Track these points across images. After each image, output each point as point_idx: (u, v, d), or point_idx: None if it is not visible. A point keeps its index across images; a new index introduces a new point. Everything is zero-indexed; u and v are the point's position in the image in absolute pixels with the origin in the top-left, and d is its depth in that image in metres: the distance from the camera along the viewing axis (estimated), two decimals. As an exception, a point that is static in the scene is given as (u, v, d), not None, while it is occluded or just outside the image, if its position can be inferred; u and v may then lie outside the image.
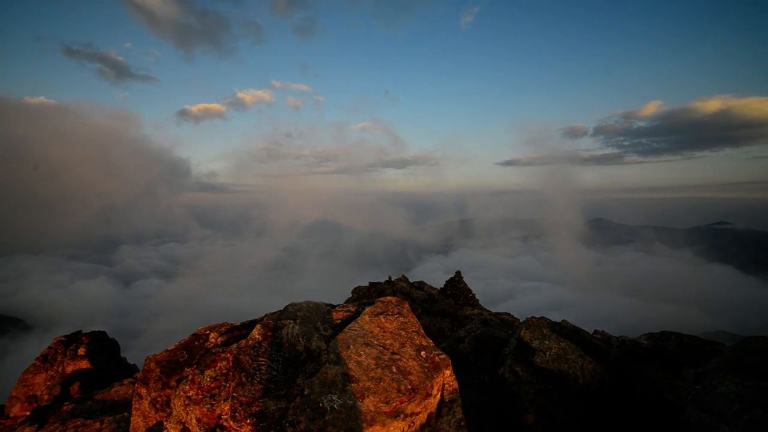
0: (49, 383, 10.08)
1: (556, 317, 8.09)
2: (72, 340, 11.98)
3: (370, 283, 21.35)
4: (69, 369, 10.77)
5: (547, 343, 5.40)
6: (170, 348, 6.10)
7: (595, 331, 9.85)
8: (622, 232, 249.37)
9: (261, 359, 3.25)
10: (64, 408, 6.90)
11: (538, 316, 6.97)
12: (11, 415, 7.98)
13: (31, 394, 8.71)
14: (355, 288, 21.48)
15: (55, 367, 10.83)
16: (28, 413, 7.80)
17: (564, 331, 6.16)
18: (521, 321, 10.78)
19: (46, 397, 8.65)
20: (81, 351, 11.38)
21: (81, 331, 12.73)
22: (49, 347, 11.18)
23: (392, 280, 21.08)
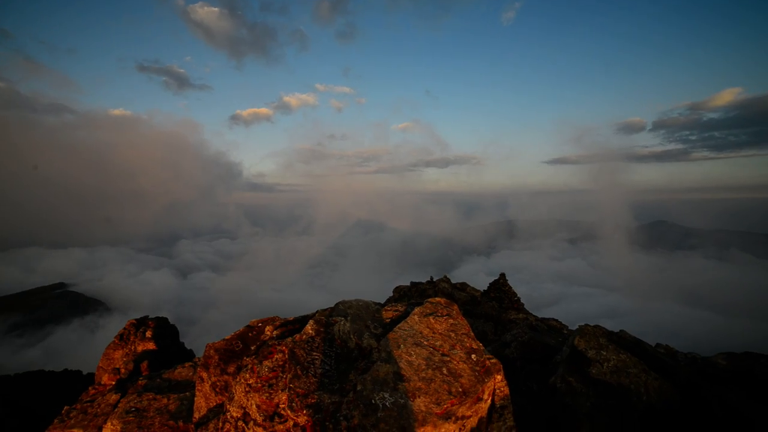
0: (125, 359, 11.30)
1: (609, 326, 7.49)
2: (141, 323, 13.24)
3: (411, 282, 21.31)
4: (139, 348, 11.96)
5: (604, 353, 5.07)
6: (227, 337, 6.56)
7: (658, 345, 9.03)
8: (689, 236, 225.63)
9: (315, 354, 3.39)
10: (139, 382, 7.71)
11: (592, 324, 6.55)
12: (102, 382, 9.15)
13: (114, 367, 9.88)
14: (397, 287, 21.55)
15: (129, 346, 12.09)
16: (113, 383, 8.87)
17: (623, 342, 5.73)
18: (573, 329, 10.17)
19: (123, 370, 9.76)
20: (148, 334, 12.55)
21: (148, 316, 14.04)
22: (124, 328, 12.48)
23: (434, 280, 20.88)
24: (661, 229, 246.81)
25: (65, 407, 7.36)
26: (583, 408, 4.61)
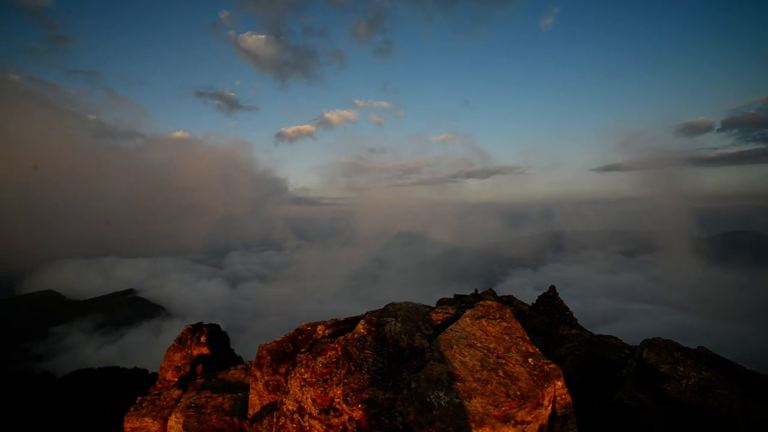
0: (182, 361, 12.13)
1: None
2: (196, 329, 14.14)
3: (455, 295, 20.75)
4: (195, 352, 12.77)
5: (681, 369, 4.54)
6: (278, 339, 6.84)
7: (752, 372, 7.85)
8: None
9: (367, 351, 3.41)
10: (197, 381, 8.27)
11: (664, 338, 5.93)
12: (167, 378, 9.93)
13: (176, 365, 10.68)
14: (440, 300, 21.07)
15: (186, 349, 12.96)
16: (176, 379, 9.59)
17: (704, 359, 5.11)
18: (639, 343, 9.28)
19: (182, 371, 10.51)
20: (203, 339, 13.38)
21: (202, 322, 14.98)
22: (182, 333, 13.42)
23: (479, 293, 20.20)
24: (739, 240, 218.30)
25: (138, 398, 8.07)
26: (658, 429, 4.15)
